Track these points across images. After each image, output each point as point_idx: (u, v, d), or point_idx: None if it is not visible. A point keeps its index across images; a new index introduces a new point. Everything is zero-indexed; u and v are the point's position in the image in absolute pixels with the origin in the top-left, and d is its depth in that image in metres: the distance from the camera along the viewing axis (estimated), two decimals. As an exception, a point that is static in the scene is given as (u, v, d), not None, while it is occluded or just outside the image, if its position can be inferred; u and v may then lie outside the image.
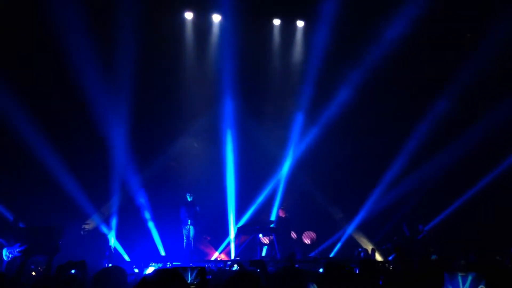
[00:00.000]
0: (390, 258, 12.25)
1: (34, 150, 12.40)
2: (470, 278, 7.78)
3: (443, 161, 13.98)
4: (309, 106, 14.83)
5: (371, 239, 14.71)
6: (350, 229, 14.71)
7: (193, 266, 7.04)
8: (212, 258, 13.42)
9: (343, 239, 14.61)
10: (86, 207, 13.14)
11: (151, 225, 13.69)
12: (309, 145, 14.87)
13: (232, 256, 13.23)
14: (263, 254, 13.27)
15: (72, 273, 4.42)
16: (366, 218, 14.47)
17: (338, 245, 14.48)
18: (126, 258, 12.91)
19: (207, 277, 7.64)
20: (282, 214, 13.53)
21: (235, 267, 9.20)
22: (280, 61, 15.47)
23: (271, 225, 12.91)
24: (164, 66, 14.24)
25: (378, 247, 14.18)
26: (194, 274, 6.82)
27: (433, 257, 11.27)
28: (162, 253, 13.37)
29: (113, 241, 12.92)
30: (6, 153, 12.54)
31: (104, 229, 13.12)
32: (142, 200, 13.86)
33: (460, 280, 7.91)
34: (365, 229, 14.76)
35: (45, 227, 9.70)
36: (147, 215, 13.74)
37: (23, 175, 12.59)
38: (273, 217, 14.10)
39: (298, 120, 15.12)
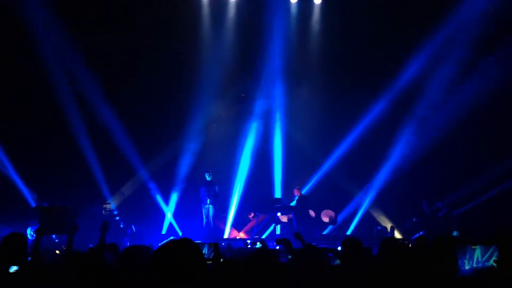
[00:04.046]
0: (412, 238, 12.09)
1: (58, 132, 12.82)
2: (483, 251, 7.65)
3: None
4: (329, 86, 14.67)
5: (390, 216, 14.55)
6: (368, 206, 14.59)
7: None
8: (225, 236, 13.54)
9: (361, 216, 14.50)
10: (107, 187, 13.36)
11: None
12: (329, 125, 14.74)
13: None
14: (278, 232, 13.34)
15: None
16: (385, 195, 14.32)
17: (354, 222, 14.36)
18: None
19: (227, 255, 7.76)
20: (297, 193, 13.48)
21: (258, 245, 9.31)
22: (296, 39, 15.23)
23: (291, 204, 12.93)
24: (180, 48, 14.13)
25: (397, 224, 14.09)
26: (208, 249, 6.93)
27: (455, 233, 11.18)
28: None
29: None
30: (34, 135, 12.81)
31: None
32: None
33: (472, 253, 7.80)
34: (384, 206, 14.61)
35: (58, 206, 9.77)
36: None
37: (48, 156, 12.77)
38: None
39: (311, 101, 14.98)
